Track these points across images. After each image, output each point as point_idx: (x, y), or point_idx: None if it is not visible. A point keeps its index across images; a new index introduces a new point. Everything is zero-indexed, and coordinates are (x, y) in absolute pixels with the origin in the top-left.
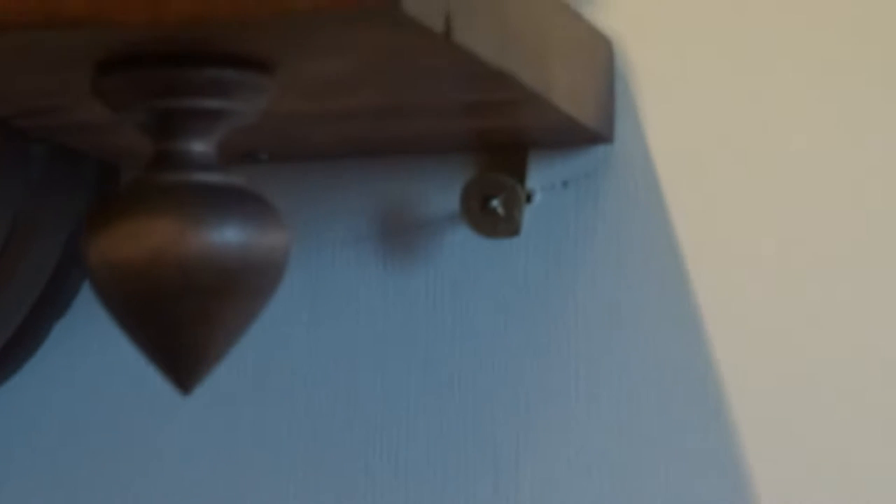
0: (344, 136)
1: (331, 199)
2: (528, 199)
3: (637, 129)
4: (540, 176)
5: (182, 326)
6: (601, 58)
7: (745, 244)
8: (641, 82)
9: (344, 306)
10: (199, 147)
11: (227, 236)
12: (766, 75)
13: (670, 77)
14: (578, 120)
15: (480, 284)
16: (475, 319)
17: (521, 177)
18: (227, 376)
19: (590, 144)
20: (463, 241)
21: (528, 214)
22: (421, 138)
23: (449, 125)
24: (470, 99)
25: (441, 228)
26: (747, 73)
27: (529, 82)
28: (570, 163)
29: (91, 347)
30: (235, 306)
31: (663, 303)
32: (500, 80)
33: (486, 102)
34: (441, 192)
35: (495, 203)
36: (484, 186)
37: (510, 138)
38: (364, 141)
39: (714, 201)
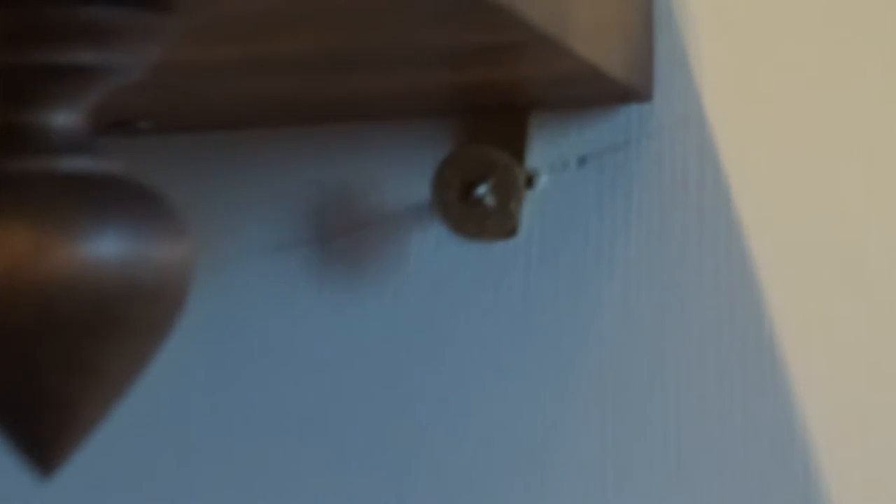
0: (268, 96)
1: (249, 189)
2: (530, 183)
3: (685, 83)
4: (547, 150)
5: (42, 377)
6: None
7: (833, 241)
8: (692, 18)
9: (267, 341)
10: (63, 119)
11: (105, 249)
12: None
13: (730, 10)
14: (604, 70)
15: (461, 309)
16: (453, 362)
17: (519, 152)
18: (104, 447)
19: (618, 104)
20: (436, 245)
21: (530, 206)
22: (378, 99)
23: (420, 81)
24: (452, 44)
25: (406, 228)
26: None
27: (539, 20)
28: (590, 131)
29: None
30: (119, 348)
31: (727, 333)
32: (499, 17)
33: (476, 48)
34: (405, 176)
35: (482, 190)
36: (466, 166)
37: (505, 97)
38: (298, 103)
39: (792, 182)
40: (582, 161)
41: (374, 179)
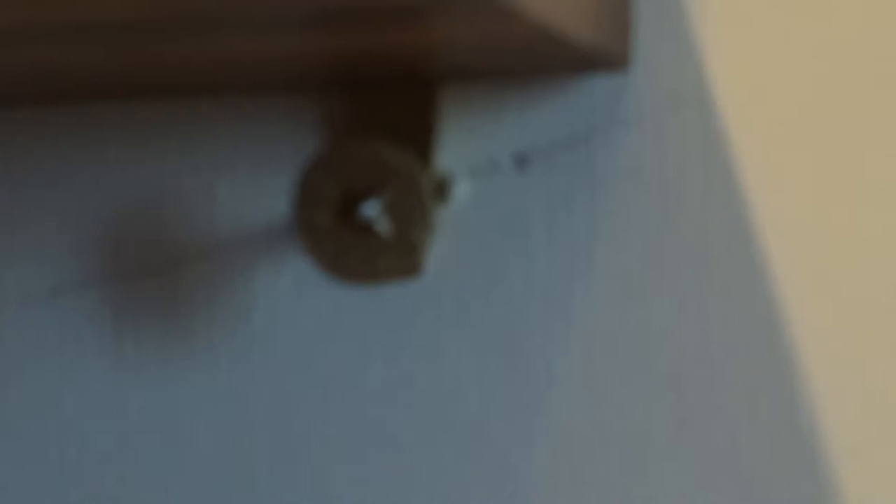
0: (53, 62)
1: (17, 203)
2: (442, 194)
3: (678, 46)
4: (469, 145)
5: None
6: None
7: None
8: None
9: (41, 418)
10: None
11: None
12: None
13: None
14: (556, 28)
15: (334, 390)
16: (316, 467)
17: (425, 148)
18: None
19: (578, 76)
20: (297, 291)
21: (443, 231)
22: (214, 69)
23: (275, 47)
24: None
25: (250, 264)
26: None
27: None
28: (534, 116)
29: None
30: None
31: (724, 380)
32: None
33: (361, 9)
34: (253, 185)
35: (371, 209)
36: (347, 171)
37: (405, 66)
38: (96, 73)
39: (825, 184)
40: (521, 161)
41: (205, 189)
